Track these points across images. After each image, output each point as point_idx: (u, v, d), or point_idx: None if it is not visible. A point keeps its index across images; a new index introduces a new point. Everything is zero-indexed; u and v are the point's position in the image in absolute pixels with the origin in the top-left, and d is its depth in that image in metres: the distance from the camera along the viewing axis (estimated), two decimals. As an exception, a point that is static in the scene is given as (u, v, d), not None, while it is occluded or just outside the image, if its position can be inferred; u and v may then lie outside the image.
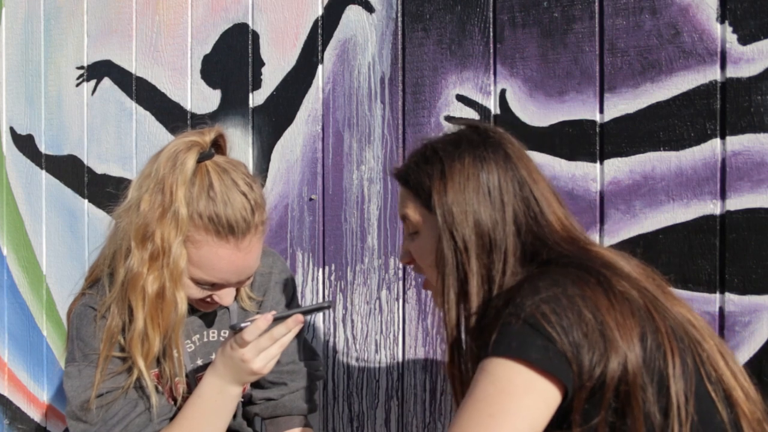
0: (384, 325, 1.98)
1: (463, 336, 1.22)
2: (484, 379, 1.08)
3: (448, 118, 1.86)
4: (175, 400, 1.54)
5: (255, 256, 1.45)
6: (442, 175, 1.23)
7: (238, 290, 1.57)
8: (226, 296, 1.46)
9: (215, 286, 1.44)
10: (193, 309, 1.54)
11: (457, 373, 1.25)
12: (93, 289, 1.51)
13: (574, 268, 1.13)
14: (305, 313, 1.40)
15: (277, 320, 1.37)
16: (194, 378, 1.55)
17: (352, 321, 2.04)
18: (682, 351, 1.10)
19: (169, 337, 1.45)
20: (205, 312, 1.58)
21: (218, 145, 1.49)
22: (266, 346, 1.37)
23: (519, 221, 1.21)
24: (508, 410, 1.05)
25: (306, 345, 1.76)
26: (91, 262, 1.58)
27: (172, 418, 1.48)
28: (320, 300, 2.09)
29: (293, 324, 1.37)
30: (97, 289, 1.49)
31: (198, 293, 1.44)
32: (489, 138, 1.27)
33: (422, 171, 1.26)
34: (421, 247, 1.28)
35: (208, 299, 1.47)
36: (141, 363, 1.42)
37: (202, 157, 1.41)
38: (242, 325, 1.36)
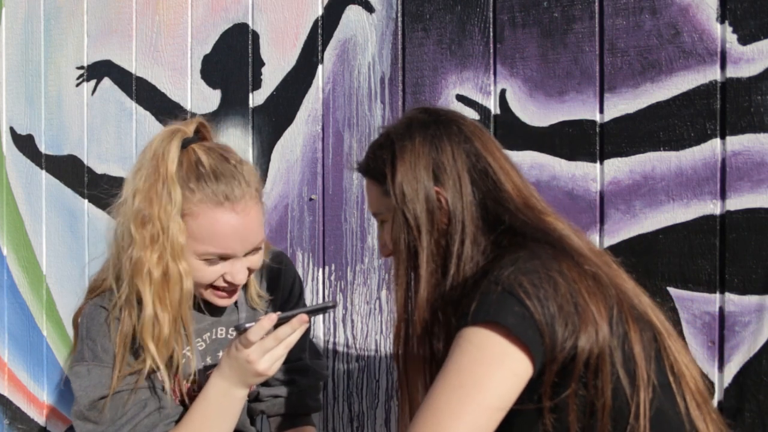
0: (384, 325, 1.98)
1: (410, 315, 1.24)
2: (458, 348, 1.09)
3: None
4: (183, 400, 1.55)
5: (255, 221, 1.46)
6: (394, 157, 1.25)
7: (246, 288, 1.59)
8: (237, 273, 1.46)
9: (224, 259, 1.44)
10: (204, 308, 1.55)
11: (402, 354, 1.26)
12: (100, 297, 1.51)
13: (548, 245, 1.15)
14: (310, 313, 1.40)
15: (282, 320, 1.37)
16: (204, 376, 1.55)
17: (352, 321, 2.04)
18: (641, 324, 1.14)
19: (179, 320, 1.45)
20: (213, 310, 1.58)
21: (202, 135, 1.53)
22: (271, 346, 1.37)
23: (477, 191, 1.23)
24: (479, 380, 1.06)
25: (310, 344, 1.76)
26: (91, 270, 1.58)
27: (178, 420, 1.48)
28: (321, 300, 2.09)
29: (298, 324, 1.37)
30: (105, 295, 1.50)
31: (210, 273, 1.45)
32: (440, 116, 1.30)
33: (378, 157, 1.29)
34: (389, 234, 1.30)
35: (221, 283, 1.47)
36: (152, 347, 1.42)
37: (187, 142, 1.46)
38: (247, 325, 1.36)
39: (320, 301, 2.09)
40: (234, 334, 1.44)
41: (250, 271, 1.51)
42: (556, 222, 1.24)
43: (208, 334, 1.59)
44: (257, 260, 1.50)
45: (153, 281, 1.41)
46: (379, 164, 1.28)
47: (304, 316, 1.38)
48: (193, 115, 2.33)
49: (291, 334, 1.37)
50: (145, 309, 1.42)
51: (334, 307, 1.40)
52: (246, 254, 1.46)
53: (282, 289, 1.66)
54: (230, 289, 1.49)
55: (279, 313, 1.38)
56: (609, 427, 1.07)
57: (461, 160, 1.23)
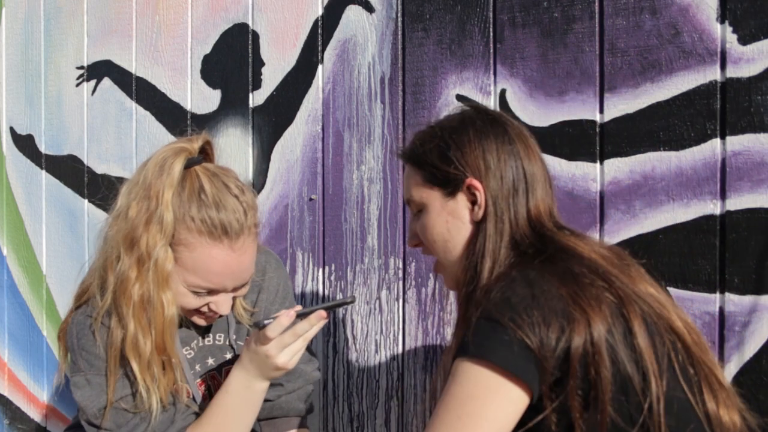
0: (384, 325, 1.98)
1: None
2: (455, 381, 1.13)
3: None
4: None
5: (249, 259, 1.45)
6: (441, 150, 1.31)
7: (233, 301, 1.58)
8: (222, 305, 1.46)
9: (212, 293, 1.44)
10: (191, 322, 1.55)
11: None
12: (86, 305, 1.51)
13: (548, 260, 1.18)
14: (328, 308, 1.41)
15: (300, 316, 1.38)
16: (195, 383, 1.56)
17: (352, 321, 2.04)
18: (654, 322, 1.15)
19: (164, 344, 1.44)
20: (199, 327, 1.58)
21: (206, 153, 1.51)
22: (290, 342, 1.38)
23: (513, 192, 1.28)
24: (478, 412, 1.10)
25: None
26: (85, 272, 1.58)
27: (197, 414, 1.49)
28: (324, 301, 2.09)
29: (316, 320, 1.38)
30: (90, 303, 1.50)
31: (195, 301, 1.44)
32: (489, 115, 1.35)
33: (426, 148, 1.34)
34: (425, 224, 1.34)
35: (205, 309, 1.47)
36: (135, 366, 1.42)
37: (190, 163, 1.43)
38: (265, 321, 1.38)
39: (323, 302, 2.09)
40: (254, 330, 1.45)
41: (234, 300, 1.52)
42: (564, 240, 1.26)
43: (196, 341, 1.59)
44: (244, 291, 1.51)
45: (134, 304, 1.40)
46: (426, 155, 1.33)
47: (323, 312, 1.38)
48: (194, 115, 2.33)
49: (309, 329, 1.39)
50: (127, 328, 1.42)
51: (352, 302, 1.40)
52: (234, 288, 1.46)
53: (268, 289, 1.66)
54: (213, 314, 1.49)
55: (298, 308, 1.39)
56: (612, 417, 1.09)
57: (503, 160, 1.28)
